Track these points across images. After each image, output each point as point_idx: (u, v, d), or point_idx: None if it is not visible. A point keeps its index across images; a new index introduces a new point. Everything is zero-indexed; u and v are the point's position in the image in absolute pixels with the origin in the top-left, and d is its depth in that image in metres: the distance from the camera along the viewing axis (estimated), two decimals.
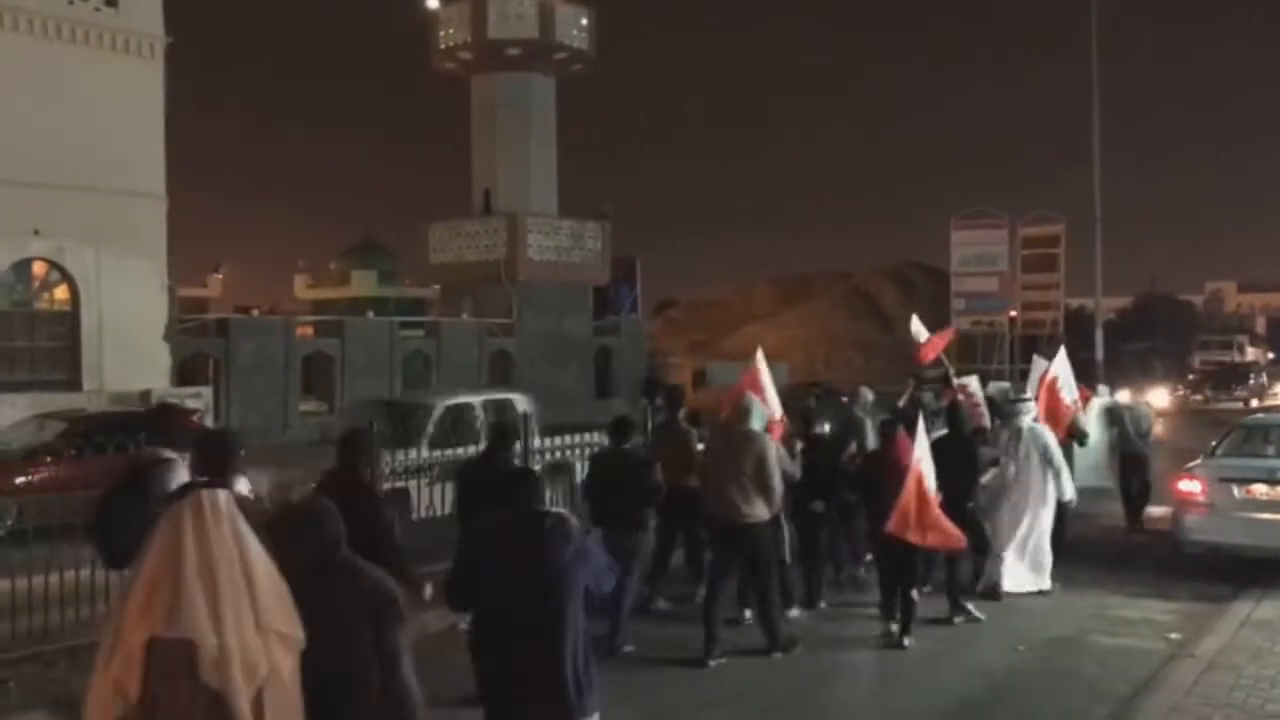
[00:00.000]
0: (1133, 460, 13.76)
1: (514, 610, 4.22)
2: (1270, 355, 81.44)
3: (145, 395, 21.47)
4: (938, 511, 8.70)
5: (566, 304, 33.03)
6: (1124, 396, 14.66)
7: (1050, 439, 10.73)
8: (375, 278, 41.47)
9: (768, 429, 9.15)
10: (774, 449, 8.65)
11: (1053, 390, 12.16)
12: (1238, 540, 10.85)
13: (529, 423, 12.25)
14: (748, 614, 9.11)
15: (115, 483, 5.60)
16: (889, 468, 8.98)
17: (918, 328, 13.48)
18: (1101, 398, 14.23)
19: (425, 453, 11.89)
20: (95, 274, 22.28)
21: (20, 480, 13.09)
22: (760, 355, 10.75)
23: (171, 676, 3.19)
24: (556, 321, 32.66)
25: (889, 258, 75.77)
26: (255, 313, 33.83)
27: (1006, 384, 14.55)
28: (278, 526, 3.70)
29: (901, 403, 12.31)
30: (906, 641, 8.76)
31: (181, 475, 5.20)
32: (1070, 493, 10.70)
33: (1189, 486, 11.28)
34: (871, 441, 11.38)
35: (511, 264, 32.00)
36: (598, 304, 34.79)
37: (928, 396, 12.83)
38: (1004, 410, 11.48)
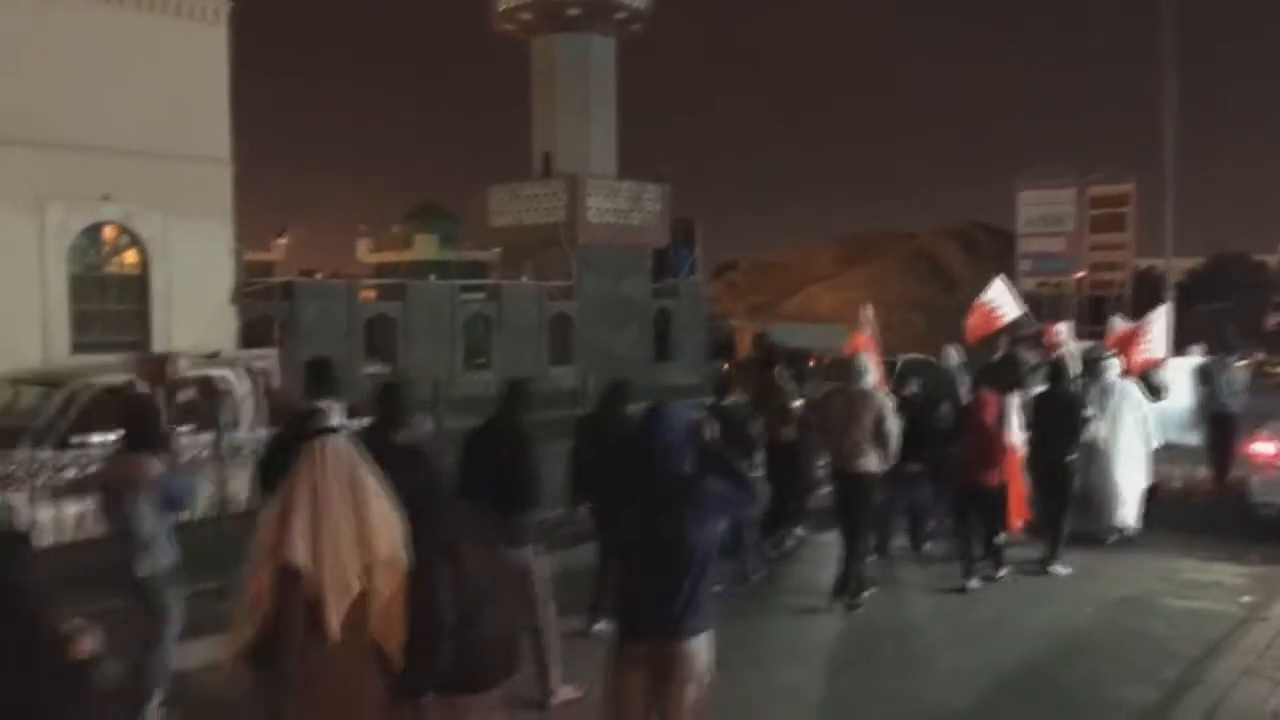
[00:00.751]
0: (1222, 420, 13.39)
1: (635, 538, 4.49)
2: None
3: (213, 357, 21.84)
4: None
5: (625, 266, 32.97)
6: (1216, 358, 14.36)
7: (1138, 393, 10.91)
8: (437, 241, 41.57)
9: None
10: (890, 406, 8.98)
11: (1133, 341, 12.06)
12: None
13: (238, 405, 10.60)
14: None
15: (277, 432, 6.46)
16: (972, 422, 9.42)
17: (999, 294, 13.26)
18: (1193, 357, 14.05)
19: (45, 451, 8.82)
20: (163, 238, 22.68)
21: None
22: (870, 312, 10.92)
23: (290, 592, 3.90)
24: (615, 284, 32.63)
25: (953, 218, 74.60)
26: (319, 276, 34.21)
27: (1090, 342, 14.42)
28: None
29: (996, 358, 12.26)
30: (1001, 573, 9.49)
31: (332, 423, 5.94)
32: (1155, 440, 11.04)
33: (1263, 448, 11.05)
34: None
35: (571, 226, 32.00)
36: (656, 266, 34.67)
37: (1024, 352, 12.68)
38: (1092, 367, 11.39)
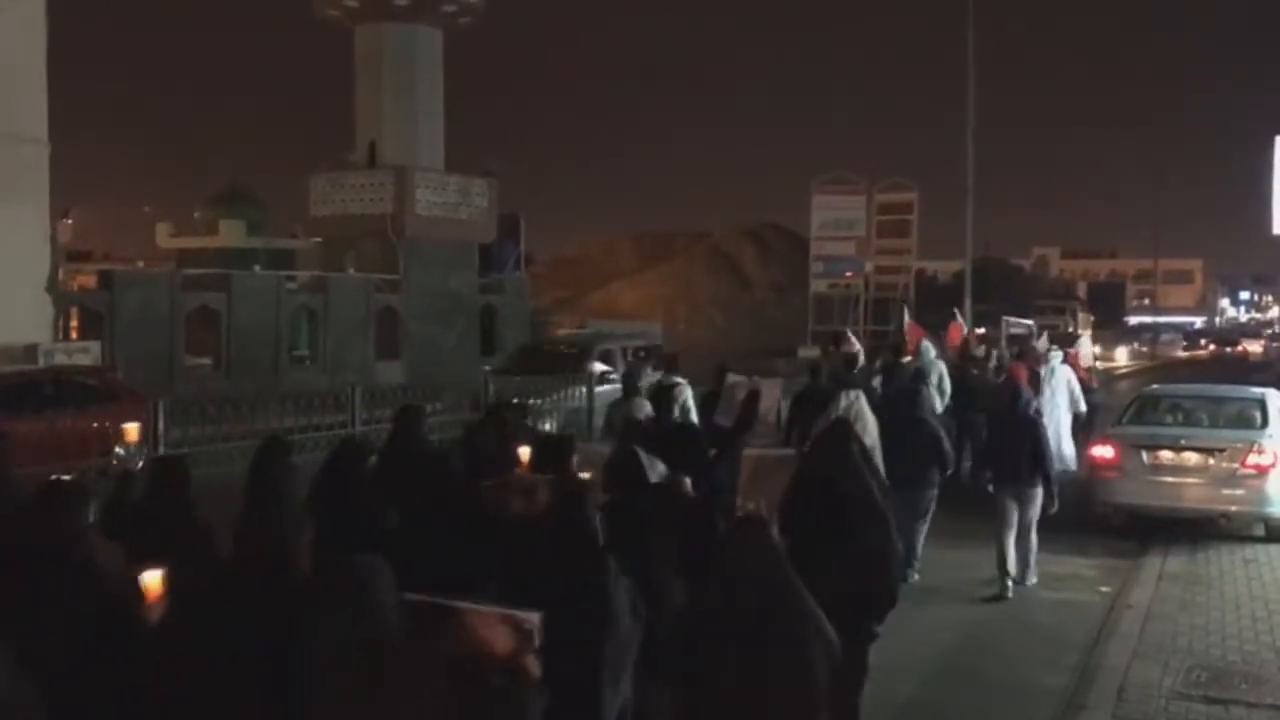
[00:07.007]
0: (1088, 409, 16.09)
1: None
2: (1092, 319, 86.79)
3: (31, 350, 20.68)
4: None
5: (453, 261, 32.76)
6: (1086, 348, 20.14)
7: (1070, 371, 15.58)
8: (244, 227, 40.06)
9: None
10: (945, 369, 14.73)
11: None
12: (1146, 501, 11.93)
13: None
14: None
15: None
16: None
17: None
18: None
19: None
20: None
21: None
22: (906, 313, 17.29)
23: None
24: (443, 279, 32.36)
25: (747, 218, 77.38)
26: (140, 264, 32.47)
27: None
28: None
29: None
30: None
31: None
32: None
33: (1103, 452, 12.32)
34: None
35: (399, 218, 31.49)
36: (482, 262, 34.63)
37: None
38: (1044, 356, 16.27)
